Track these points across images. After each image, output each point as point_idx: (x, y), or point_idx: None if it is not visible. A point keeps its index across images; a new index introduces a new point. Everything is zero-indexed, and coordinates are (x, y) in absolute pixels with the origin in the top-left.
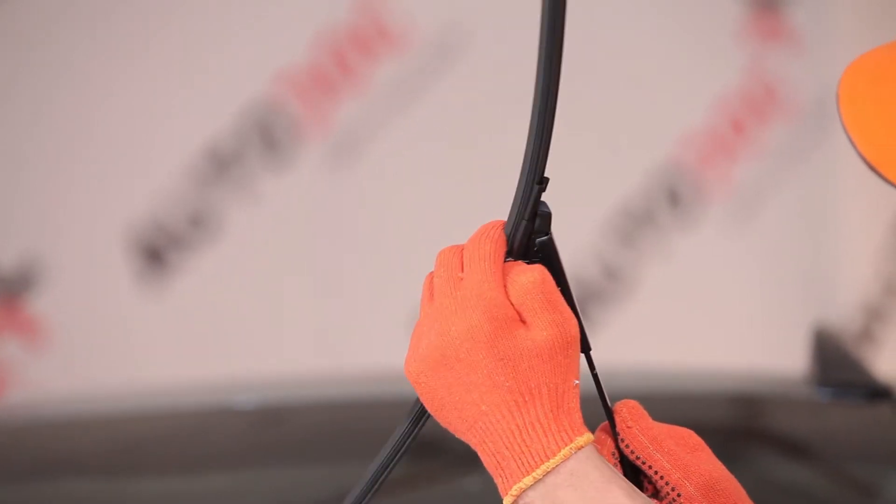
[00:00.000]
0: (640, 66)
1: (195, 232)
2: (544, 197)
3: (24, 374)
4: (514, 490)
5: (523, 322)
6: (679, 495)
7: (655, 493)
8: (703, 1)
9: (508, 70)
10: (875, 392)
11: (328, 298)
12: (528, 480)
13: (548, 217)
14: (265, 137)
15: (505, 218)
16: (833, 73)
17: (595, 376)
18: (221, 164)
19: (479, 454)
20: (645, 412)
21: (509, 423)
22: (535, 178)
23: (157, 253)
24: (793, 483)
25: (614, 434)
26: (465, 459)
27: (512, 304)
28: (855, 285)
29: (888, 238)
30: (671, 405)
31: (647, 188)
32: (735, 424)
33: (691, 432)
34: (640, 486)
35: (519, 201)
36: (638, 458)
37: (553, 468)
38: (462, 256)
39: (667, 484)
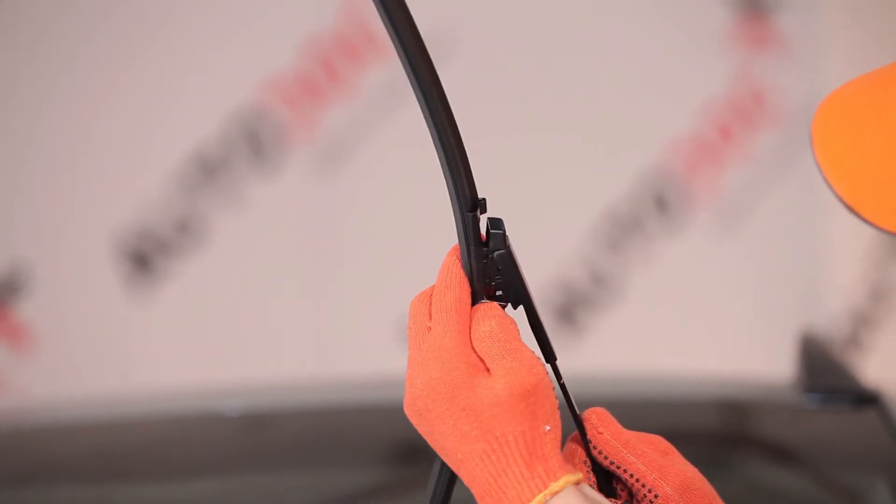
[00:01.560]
0: (628, 71)
1: (182, 238)
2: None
3: (12, 380)
4: None
5: (487, 370)
6: (656, 496)
7: (630, 499)
8: (691, 7)
9: (494, 76)
10: (862, 398)
11: (315, 304)
12: None
13: (499, 236)
14: (253, 143)
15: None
16: (821, 79)
17: (562, 386)
18: (209, 170)
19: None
20: (613, 418)
21: (483, 472)
22: (466, 208)
23: (144, 259)
24: (779, 489)
25: (585, 442)
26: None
27: (475, 352)
28: (842, 291)
29: (875, 244)
30: (658, 411)
31: (635, 194)
32: (722, 430)
33: (661, 437)
34: (614, 493)
35: (461, 234)
36: (612, 462)
37: None
38: (430, 305)
39: (643, 486)
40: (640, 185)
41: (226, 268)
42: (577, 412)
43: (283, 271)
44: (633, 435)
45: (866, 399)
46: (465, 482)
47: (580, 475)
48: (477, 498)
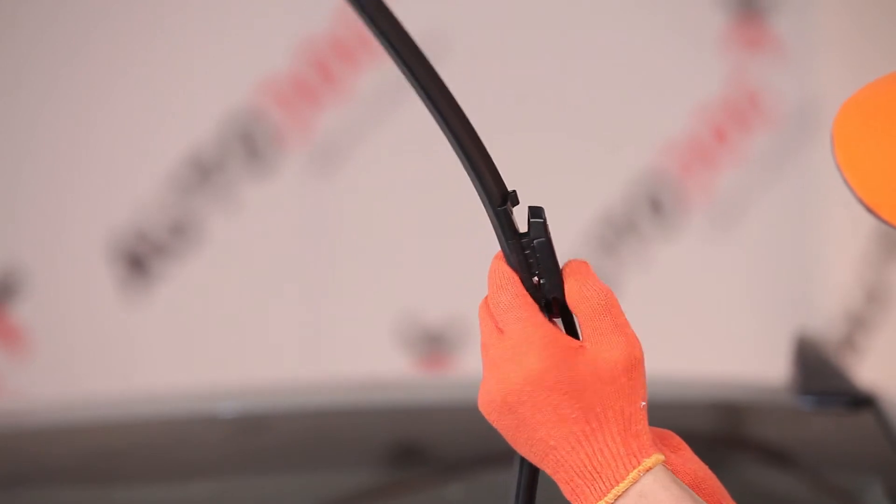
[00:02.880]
0: (622, 73)
1: (177, 240)
2: (534, 201)
3: (7, 381)
4: None
5: (582, 346)
6: None
7: None
8: (686, 9)
9: (488, 77)
10: (857, 400)
11: (311, 306)
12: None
13: (539, 225)
14: (247, 146)
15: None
16: (816, 81)
17: None
18: (204, 173)
19: (556, 481)
20: None
21: (578, 453)
22: (496, 204)
23: (139, 261)
24: (774, 491)
25: None
26: (447, 468)
27: (563, 329)
28: (837, 293)
29: (870, 246)
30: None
31: (629, 196)
32: (717, 432)
33: (672, 433)
34: None
35: (495, 229)
36: None
37: (623, 492)
38: (489, 310)
39: None
40: (634, 186)
41: (221, 270)
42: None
43: (279, 273)
44: None
45: (861, 401)
46: (551, 472)
47: (664, 456)
48: (564, 486)
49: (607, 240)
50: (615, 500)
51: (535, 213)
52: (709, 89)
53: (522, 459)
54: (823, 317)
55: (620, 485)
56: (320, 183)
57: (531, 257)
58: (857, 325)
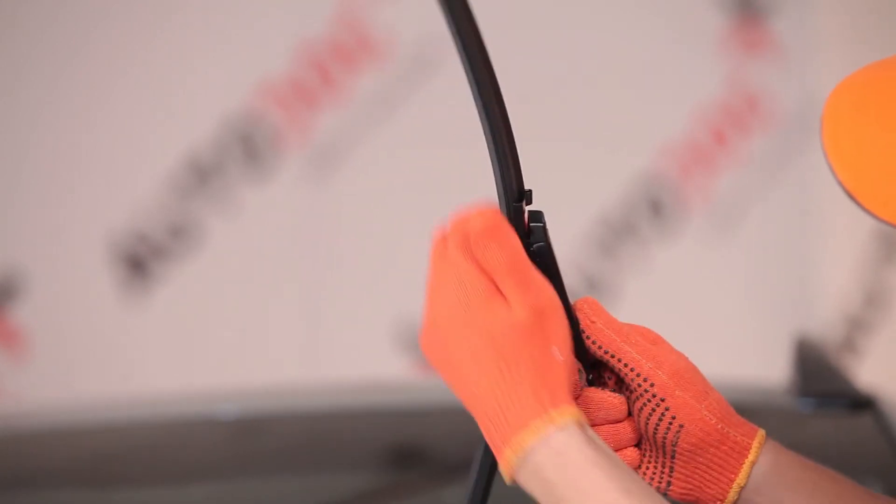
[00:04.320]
0: (622, 75)
1: (177, 242)
2: (532, 203)
3: (6, 384)
4: (506, 468)
5: (502, 295)
6: (652, 385)
7: (619, 386)
8: (686, 11)
9: None
10: (856, 402)
11: (310, 309)
12: (510, 456)
13: (540, 229)
14: (247, 148)
15: None
16: (815, 83)
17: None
18: (203, 175)
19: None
20: (603, 308)
21: (490, 397)
22: (512, 199)
23: (138, 263)
24: None
25: (577, 332)
26: (444, 471)
27: (488, 278)
28: (836, 296)
29: (869, 248)
30: None
31: (628, 198)
32: None
33: (649, 328)
34: (602, 382)
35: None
36: (606, 351)
37: (534, 446)
38: (455, 235)
39: (638, 375)
40: (633, 189)
41: (220, 272)
42: (570, 303)
43: (277, 276)
44: (624, 324)
45: (861, 403)
46: (474, 414)
47: (585, 418)
48: (481, 429)
49: (606, 242)
50: (528, 456)
51: (535, 217)
52: (708, 91)
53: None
54: (823, 319)
55: (525, 433)
56: (319, 185)
57: (530, 258)
58: (857, 327)
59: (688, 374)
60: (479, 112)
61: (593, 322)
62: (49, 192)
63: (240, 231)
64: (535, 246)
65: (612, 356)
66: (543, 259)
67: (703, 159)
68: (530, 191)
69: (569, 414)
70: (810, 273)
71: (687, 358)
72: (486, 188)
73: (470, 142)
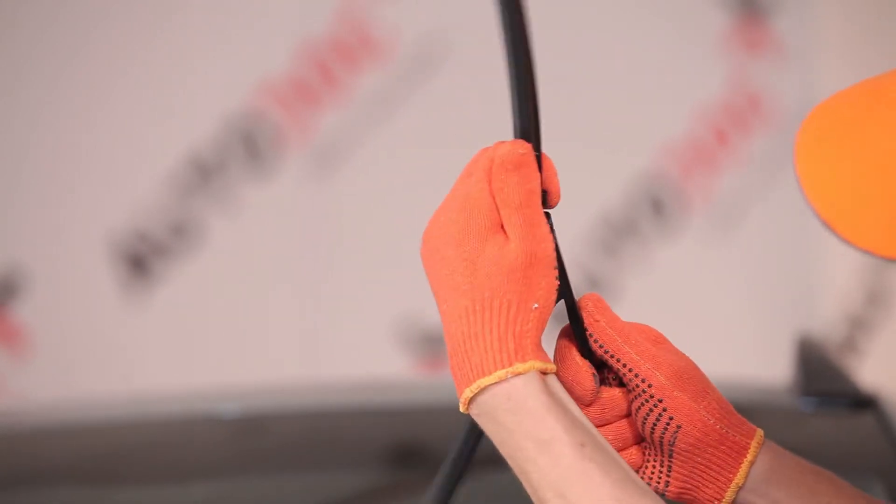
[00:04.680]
0: (624, 75)
1: (178, 241)
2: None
3: (8, 382)
4: (462, 399)
5: (503, 232)
6: (650, 386)
7: (620, 386)
8: (687, 10)
9: (489, 79)
10: (858, 402)
11: (311, 307)
12: (467, 393)
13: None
14: (248, 147)
15: None
16: (816, 83)
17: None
18: (204, 174)
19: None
20: (608, 305)
21: (458, 330)
22: (537, 145)
23: (140, 262)
24: None
25: (581, 330)
26: None
27: (496, 210)
28: (838, 295)
29: None
30: None
31: (630, 198)
32: None
33: (651, 326)
34: (606, 381)
35: None
36: (606, 351)
37: (490, 387)
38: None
39: (636, 376)
40: (635, 188)
41: (222, 271)
42: (574, 299)
43: (279, 274)
44: (626, 324)
45: (863, 403)
46: (445, 337)
47: (550, 367)
48: (449, 356)
49: (608, 241)
50: (482, 394)
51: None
52: (710, 91)
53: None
54: (824, 318)
55: (485, 378)
56: (320, 184)
57: None
58: (858, 326)
59: (687, 374)
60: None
61: (597, 321)
62: (50, 191)
63: (240, 230)
64: None
65: (612, 356)
66: None
67: (705, 159)
68: (546, 191)
69: (531, 364)
70: (812, 272)
71: (687, 357)
72: None
73: (470, 142)
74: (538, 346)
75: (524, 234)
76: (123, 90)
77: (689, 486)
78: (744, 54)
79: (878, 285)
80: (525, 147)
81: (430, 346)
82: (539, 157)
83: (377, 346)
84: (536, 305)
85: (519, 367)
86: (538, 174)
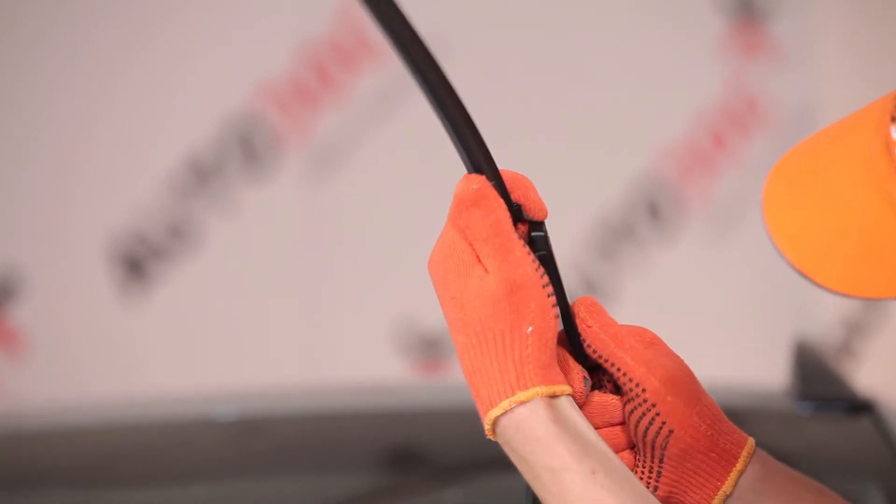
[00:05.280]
0: (621, 78)
1: (176, 243)
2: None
3: (5, 384)
4: (486, 432)
5: (482, 265)
6: (644, 390)
7: (616, 390)
8: (685, 13)
9: (487, 81)
10: (855, 406)
11: (309, 310)
12: (486, 426)
13: (541, 238)
14: (246, 149)
15: None
16: (814, 86)
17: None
18: (202, 175)
19: None
20: (603, 308)
21: (465, 364)
22: (491, 172)
23: (137, 264)
24: None
25: (575, 335)
26: (444, 472)
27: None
28: (835, 299)
29: None
30: None
31: (627, 201)
32: None
33: (645, 328)
34: (601, 385)
35: None
36: (600, 356)
37: (499, 418)
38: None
39: (630, 380)
40: (632, 192)
41: (219, 273)
42: (568, 304)
43: (277, 276)
44: (621, 327)
45: (860, 407)
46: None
47: (559, 388)
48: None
49: (605, 244)
50: (492, 423)
51: (537, 226)
52: (707, 94)
53: None
54: (821, 322)
55: (494, 410)
56: (319, 186)
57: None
58: (856, 330)
59: (680, 378)
60: (452, 141)
61: (590, 326)
62: (49, 192)
63: (239, 231)
64: (537, 255)
65: (606, 360)
66: (546, 268)
67: (703, 161)
68: (518, 206)
69: (534, 391)
70: None
71: (682, 361)
72: None
73: None
74: (544, 368)
75: (499, 265)
76: (122, 91)
77: (676, 490)
78: (742, 57)
79: None
80: (478, 180)
81: (429, 348)
82: (499, 183)
83: (376, 348)
84: (531, 329)
85: (521, 395)
86: (499, 201)
